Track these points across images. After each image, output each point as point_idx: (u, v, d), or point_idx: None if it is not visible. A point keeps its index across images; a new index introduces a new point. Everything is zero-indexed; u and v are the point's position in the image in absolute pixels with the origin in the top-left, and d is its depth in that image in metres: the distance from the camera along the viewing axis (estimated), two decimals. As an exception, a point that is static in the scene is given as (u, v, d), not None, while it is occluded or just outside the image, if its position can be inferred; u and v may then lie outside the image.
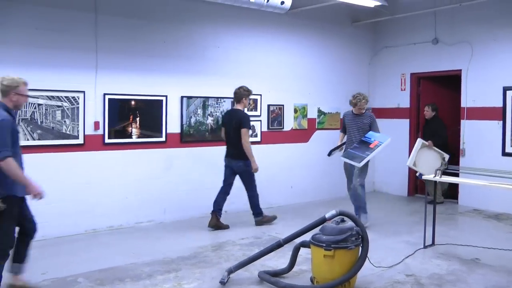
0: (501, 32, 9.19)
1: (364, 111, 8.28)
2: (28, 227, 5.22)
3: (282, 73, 9.65)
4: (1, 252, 4.88)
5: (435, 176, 6.82)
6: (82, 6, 7.34)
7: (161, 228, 7.90)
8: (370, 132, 8.09)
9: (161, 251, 6.58)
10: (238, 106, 7.86)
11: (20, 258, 5.18)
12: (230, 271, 5.49)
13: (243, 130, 7.65)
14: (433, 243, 6.93)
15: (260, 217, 8.06)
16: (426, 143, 8.32)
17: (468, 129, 9.71)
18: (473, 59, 9.60)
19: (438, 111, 9.75)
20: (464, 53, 9.72)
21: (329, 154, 8.31)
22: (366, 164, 7.94)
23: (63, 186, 7.21)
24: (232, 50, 8.96)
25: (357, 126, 8.16)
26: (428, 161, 8.41)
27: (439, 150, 8.36)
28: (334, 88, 10.54)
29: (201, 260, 6.22)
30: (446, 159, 8.39)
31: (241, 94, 7.80)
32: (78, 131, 7.36)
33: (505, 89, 9.06)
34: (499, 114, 9.15)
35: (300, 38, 10.00)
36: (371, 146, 7.87)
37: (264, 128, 9.41)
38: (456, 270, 5.95)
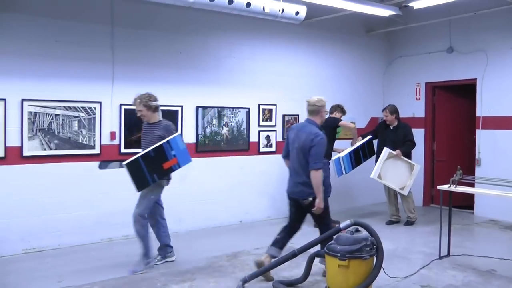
0: (516, 41, 9.16)
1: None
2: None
3: (297, 83, 9.67)
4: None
5: (450, 186, 6.77)
6: (99, 18, 7.45)
7: (176, 238, 7.85)
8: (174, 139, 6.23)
9: (176, 261, 6.62)
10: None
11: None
12: (245, 281, 5.50)
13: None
14: (448, 254, 6.89)
15: None
16: (394, 152, 8.31)
17: (484, 138, 9.66)
18: (488, 68, 9.56)
19: (398, 113, 8.94)
20: (479, 62, 9.69)
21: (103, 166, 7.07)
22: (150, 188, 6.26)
23: (79, 195, 7.30)
24: (247, 60, 9.01)
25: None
26: (397, 173, 8.44)
27: (408, 160, 8.56)
28: (349, 98, 10.51)
29: (216, 270, 6.24)
30: (417, 169, 8.56)
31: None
32: (94, 141, 7.44)
33: (521, 99, 9.02)
34: (515, 123, 9.11)
35: (314, 48, 10.03)
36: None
37: (279, 138, 9.42)
38: (472, 281, 5.92)
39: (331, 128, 8.45)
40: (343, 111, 8.82)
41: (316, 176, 5.59)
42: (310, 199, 5.70)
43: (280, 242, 6.02)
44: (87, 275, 5.99)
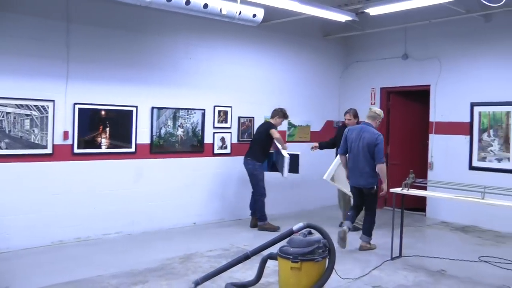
0: (469, 48, 9.38)
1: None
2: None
3: (253, 85, 9.67)
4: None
5: (402, 189, 6.86)
6: (54, 14, 7.27)
7: (129, 239, 7.81)
8: None
9: (128, 263, 6.50)
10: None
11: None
12: (197, 283, 5.43)
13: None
14: (400, 255, 6.99)
15: (263, 222, 8.56)
16: None
17: (436, 143, 9.85)
18: (442, 74, 9.77)
19: (359, 118, 8.77)
20: (433, 69, 9.89)
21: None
22: None
23: (30, 196, 7.11)
24: (204, 61, 8.96)
25: None
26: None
27: None
28: (305, 101, 10.61)
29: (169, 272, 6.16)
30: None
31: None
32: (47, 140, 7.26)
33: (473, 105, 9.23)
34: (467, 129, 9.32)
35: (272, 51, 10.05)
36: None
37: (234, 140, 9.39)
38: (423, 281, 6.01)
39: (266, 133, 8.58)
40: (285, 116, 8.84)
41: (382, 168, 7.14)
42: (375, 187, 7.02)
43: (351, 217, 7.41)
44: (37, 279, 5.81)
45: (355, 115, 8.71)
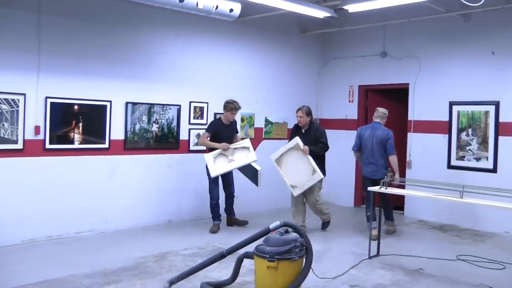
0: (448, 48, 9.46)
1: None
2: None
3: (230, 81, 9.63)
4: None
5: (380, 187, 6.89)
6: (24, 5, 7.14)
7: (102, 238, 7.73)
8: None
9: (102, 262, 6.43)
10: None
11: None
12: (172, 282, 5.41)
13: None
14: (378, 254, 7.02)
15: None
16: (301, 146, 8.00)
17: (415, 142, 9.93)
18: (421, 73, 9.84)
19: (312, 116, 8.64)
20: (412, 68, 9.95)
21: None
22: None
23: (-1, 193, 6.99)
24: (179, 56, 8.89)
25: None
26: (296, 169, 8.10)
27: (314, 164, 7.99)
28: (282, 98, 10.60)
29: (143, 271, 6.10)
30: (318, 178, 8.03)
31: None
32: (17, 135, 7.13)
33: (451, 104, 9.32)
34: (445, 128, 9.41)
35: (248, 47, 10.02)
36: None
37: (211, 137, 9.33)
38: (400, 280, 6.04)
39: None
40: (226, 108, 8.35)
41: (394, 158, 8.14)
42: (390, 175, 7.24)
43: (374, 216, 7.40)
44: (5, 280, 5.71)
45: (308, 113, 8.35)
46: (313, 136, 8.27)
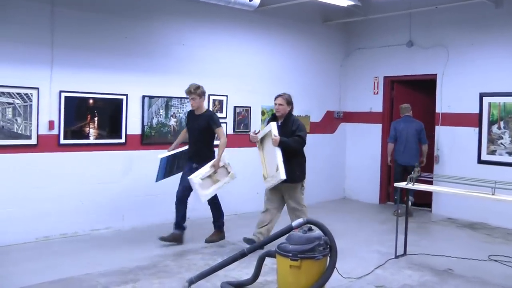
0: (478, 36, 9.32)
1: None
2: None
3: (249, 73, 9.61)
4: None
5: (407, 183, 6.82)
6: (37, -4, 7.20)
7: (119, 235, 7.77)
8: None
9: (118, 260, 6.46)
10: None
11: None
12: (191, 282, 5.42)
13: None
14: (405, 253, 6.96)
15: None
16: (273, 136, 6.93)
17: (443, 135, 9.82)
18: (449, 63, 9.71)
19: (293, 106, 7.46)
20: (440, 57, 9.83)
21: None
22: None
23: (12, 189, 7.04)
24: (197, 48, 8.88)
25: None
26: (268, 158, 7.17)
27: (280, 159, 6.86)
28: (304, 90, 10.54)
29: (161, 270, 6.12)
30: (277, 179, 6.87)
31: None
32: (31, 130, 7.18)
33: (482, 95, 9.19)
34: (475, 120, 9.28)
35: (269, 37, 9.98)
36: None
37: (230, 131, 9.32)
38: (428, 281, 5.98)
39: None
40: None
41: (426, 147, 9.68)
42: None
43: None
44: (20, 278, 5.76)
45: (289, 102, 7.26)
46: (289, 130, 7.09)
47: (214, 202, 7.56)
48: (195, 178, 7.02)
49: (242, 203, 9.27)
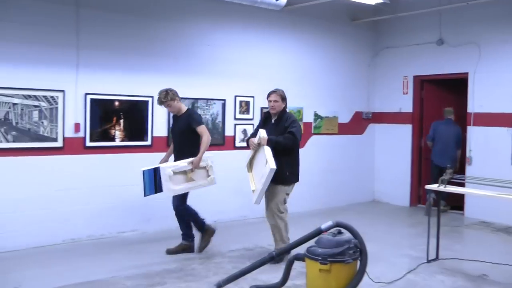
0: (511, 33, 9.17)
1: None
2: None
3: (276, 73, 9.58)
4: None
5: (439, 186, 6.74)
6: (62, -1, 7.28)
7: (145, 238, 7.81)
8: None
9: (145, 263, 6.51)
10: None
11: None
12: (220, 286, 5.38)
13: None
14: (437, 258, 6.88)
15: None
16: (262, 135, 6.65)
17: (475, 136, 9.69)
18: (481, 61, 9.58)
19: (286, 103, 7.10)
20: (471, 55, 9.70)
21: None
22: None
23: (39, 192, 7.13)
24: (222, 48, 8.90)
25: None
26: (257, 168, 6.91)
27: (269, 154, 6.44)
28: (332, 90, 10.50)
29: (188, 273, 6.14)
30: (268, 170, 6.29)
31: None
32: (57, 133, 7.27)
33: (515, 94, 9.05)
34: (509, 120, 9.15)
35: (296, 37, 9.96)
36: None
37: (257, 133, 9.31)
38: (462, 286, 5.90)
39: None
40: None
41: (459, 153, 9.86)
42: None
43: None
44: (48, 279, 5.84)
45: (284, 98, 6.95)
46: (283, 127, 6.75)
47: (182, 214, 7.16)
48: (167, 168, 6.65)
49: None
